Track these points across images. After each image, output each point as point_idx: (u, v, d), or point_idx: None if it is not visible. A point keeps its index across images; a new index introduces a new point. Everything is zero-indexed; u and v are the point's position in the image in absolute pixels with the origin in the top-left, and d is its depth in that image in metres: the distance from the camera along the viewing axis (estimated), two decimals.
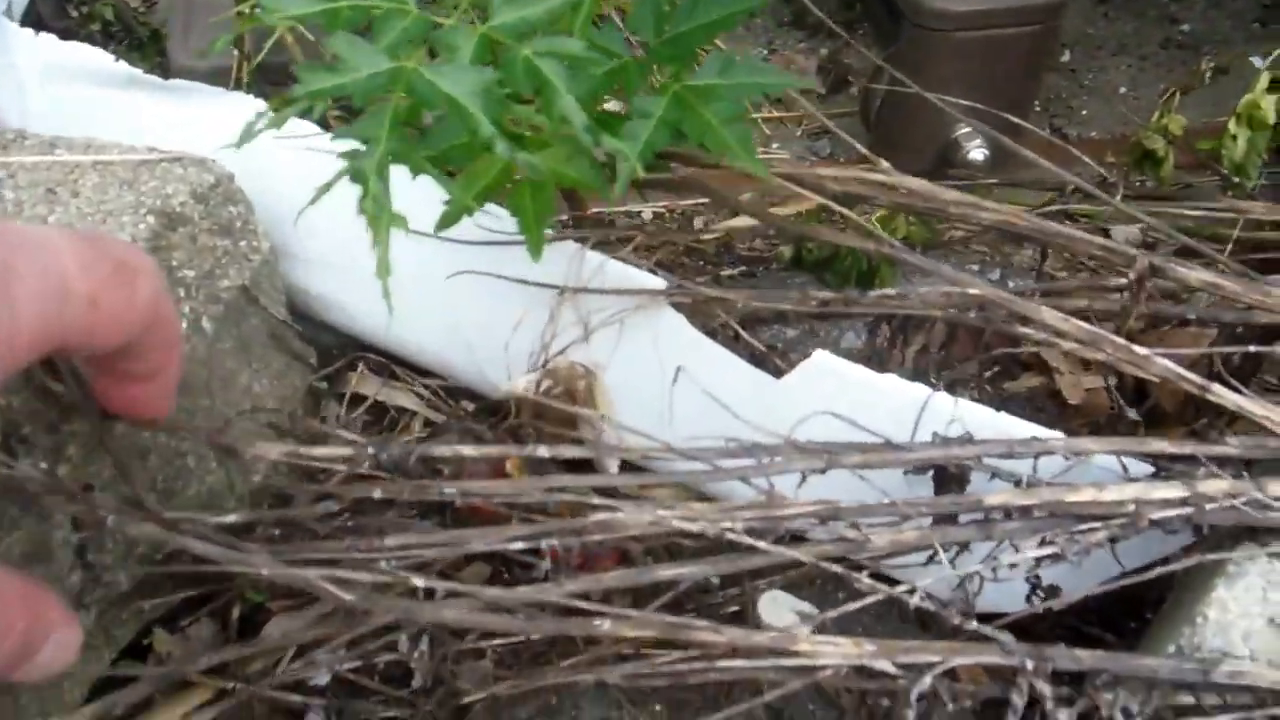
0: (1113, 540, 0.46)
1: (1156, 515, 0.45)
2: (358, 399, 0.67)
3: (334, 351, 0.69)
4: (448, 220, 0.48)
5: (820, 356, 0.57)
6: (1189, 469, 0.48)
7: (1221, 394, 0.50)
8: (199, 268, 0.57)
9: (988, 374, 0.74)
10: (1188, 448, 0.48)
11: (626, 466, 0.62)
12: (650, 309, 0.59)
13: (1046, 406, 0.71)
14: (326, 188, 0.41)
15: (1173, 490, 0.45)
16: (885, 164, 0.53)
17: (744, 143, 0.48)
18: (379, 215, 0.37)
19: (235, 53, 0.78)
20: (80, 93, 0.65)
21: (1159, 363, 0.51)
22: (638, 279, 0.60)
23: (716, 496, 0.61)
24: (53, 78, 0.66)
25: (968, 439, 0.49)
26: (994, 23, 0.94)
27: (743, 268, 0.77)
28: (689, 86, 0.48)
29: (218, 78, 0.71)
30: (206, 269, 0.57)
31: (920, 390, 0.55)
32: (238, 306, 0.60)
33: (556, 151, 0.49)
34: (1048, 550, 0.46)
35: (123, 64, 0.65)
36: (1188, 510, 0.45)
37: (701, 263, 0.79)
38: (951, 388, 0.66)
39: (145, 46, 1.02)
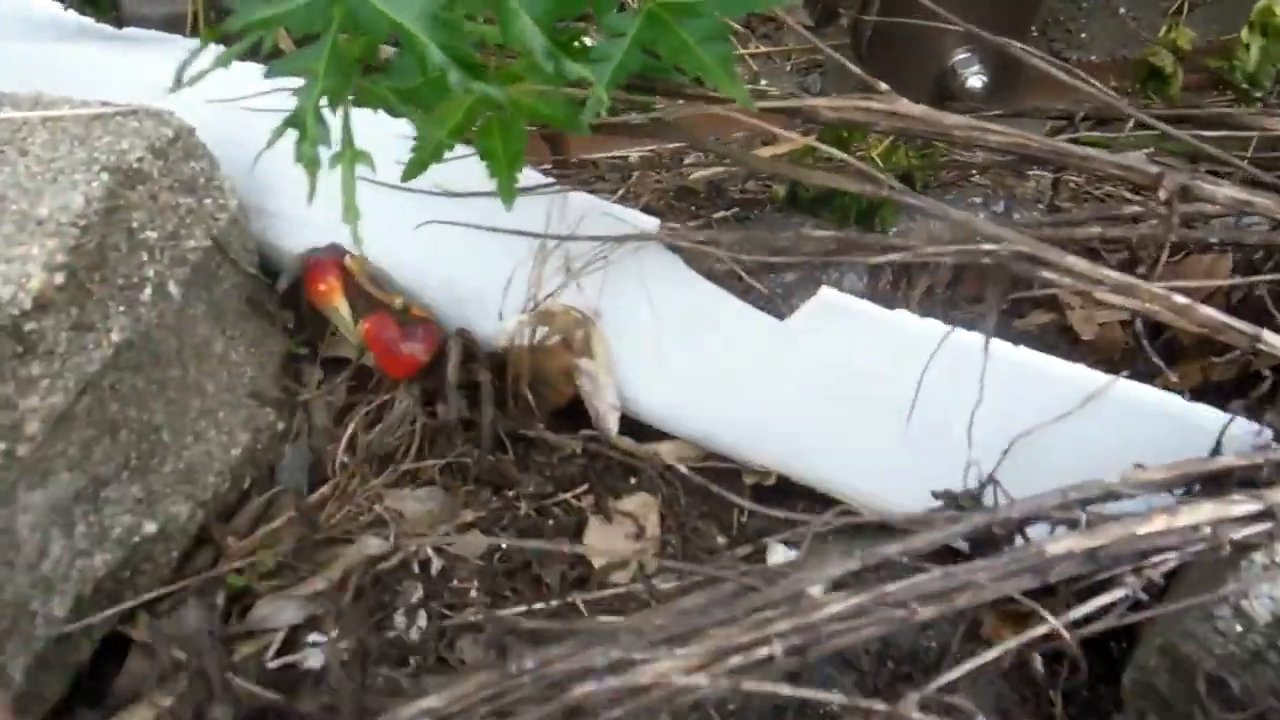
0: (1180, 566, 0.41)
1: (1237, 535, 0.40)
2: (340, 363, 0.64)
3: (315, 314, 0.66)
4: (419, 163, 0.44)
5: (827, 294, 0.54)
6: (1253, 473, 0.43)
7: (1273, 342, 0.47)
8: (162, 228, 0.53)
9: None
10: (1258, 458, 0.43)
11: (625, 423, 0.60)
12: (642, 252, 0.56)
13: (1058, 344, 0.68)
14: (280, 132, 0.38)
15: (1247, 504, 0.40)
16: (884, 86, 0.50)
17: (724, 63, 0.44)
18: (315, 160, 0.34)
19: None
20: (27, 47, 0.62)
21: (1202, 311, 0.46)
22: (629, 219, 0.57)
23: (733, 453, 0.58)
24: None
25: (1011, 502, 0.43)
26: None
27: (736, 209, 0.73)
28: (664, 3, 0.44)
29: (173, 25, 0.67)
30: (170, 229, 0.54)
31: (930, 325, 0.52)
32: (207, 269, 0.56)
33: (528, 87, 0.46)
34: (1116, 595, 0.40)
35: (72, 13, 0.61)
36: (1269, 525, 0.40)
37: (693, 206, 0.75)
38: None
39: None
